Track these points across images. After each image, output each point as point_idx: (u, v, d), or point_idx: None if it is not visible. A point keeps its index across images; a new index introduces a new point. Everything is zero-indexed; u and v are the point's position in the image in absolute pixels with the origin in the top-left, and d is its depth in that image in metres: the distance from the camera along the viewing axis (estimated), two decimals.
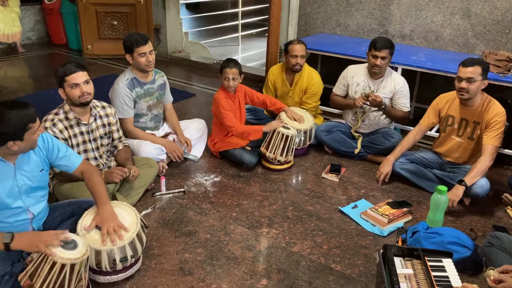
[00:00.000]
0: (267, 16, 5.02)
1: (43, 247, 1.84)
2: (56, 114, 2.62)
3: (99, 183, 2.27)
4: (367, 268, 2.41)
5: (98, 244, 2.09)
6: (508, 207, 3.00)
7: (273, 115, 3.84)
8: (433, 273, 1.88)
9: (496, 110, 2.92)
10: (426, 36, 4.49)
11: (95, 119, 2.76)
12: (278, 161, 3.38)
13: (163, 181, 3.06)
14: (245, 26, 9.33)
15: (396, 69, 3.81)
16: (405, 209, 2.87)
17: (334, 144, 3.66)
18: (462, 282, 1.85)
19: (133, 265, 2.27)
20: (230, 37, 9.05)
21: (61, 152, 2.24)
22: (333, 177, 3.35)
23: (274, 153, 3.34)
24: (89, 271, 2.12)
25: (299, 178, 3.40)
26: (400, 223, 2.80)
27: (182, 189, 3.11)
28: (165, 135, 3.45)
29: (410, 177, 3.21)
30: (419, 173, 3.19)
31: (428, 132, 3.53)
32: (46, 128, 2.54)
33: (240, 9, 8.74)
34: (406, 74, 3.81)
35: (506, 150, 3.56)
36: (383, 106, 3.44)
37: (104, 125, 2.82)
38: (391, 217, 2.76)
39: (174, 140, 3.42)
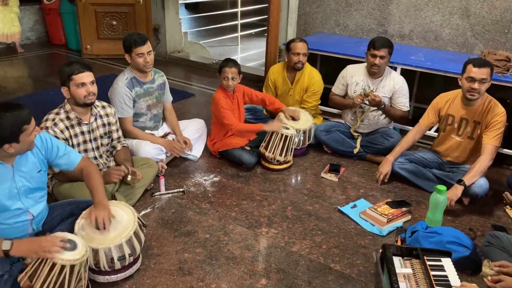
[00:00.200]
0: (266, 16, 5.02)
1: (42, 253, 1.84)
2: (57, 113, 2.62)
3: (97, 181, 2.27)
4: (366, 268, 2.41)
5: (95, 243, 2.09)
6: (507, 206, 3.00)
7: (273, 115, 3.84)
8: (432, 273, 1.88)
9: (497, 110, 2.93)
10: (425, 36, 4.49)
11: (96, 119, 2.76)
12: (278, 161, 3.38)
13: (162, 181, 3.06)
14: (244, 26, 9.34)
15: (395, 69, 3.81)
16: (404, 209, 2.87)
17: (333, 144, 3.66)
18: (461, 282, 1.86)
19: (132, 264, 2.26)
20: (229, 37, 9.05)
21: (60, 151, 2.23)
22: (332, 177, 3.35)
23: (273, 153, 3.34)
24: (88, 271, 2.12)
25: (298, 178, 3.40)
26: (399, 222, 2.80)
27: (181, 189, 3.11)
28: (165, 135, 3.45)
29: (409, 177, 3.22)
30: (418, 173, 3.19)
31: (427, 132, 3.54)
32: (47, 128, 2.54)
33: (239, 9, 8.74)
34: (405, 74, 3.81)
35: (505, 149, 3.56)
36: (382, 106, 3.44)
37: (104, 125, 2.82)
38: (390, 217, 2.76)
39: (173, 139, 3.42)
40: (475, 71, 2.82)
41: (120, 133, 2.97)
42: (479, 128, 2.99)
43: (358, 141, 3.63)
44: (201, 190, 3.14)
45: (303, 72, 3.84)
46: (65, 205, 2.37)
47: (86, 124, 2.70)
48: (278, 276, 2.34)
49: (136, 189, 2.89)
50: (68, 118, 2.63)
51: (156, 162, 3.12)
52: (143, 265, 2.36)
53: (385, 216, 2.75)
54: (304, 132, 3.56)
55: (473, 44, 4.27)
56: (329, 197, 3.11)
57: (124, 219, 2.24)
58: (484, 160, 2.87)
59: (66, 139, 2.60)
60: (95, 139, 2.77)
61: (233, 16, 9.50)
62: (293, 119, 3.58)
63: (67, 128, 2.62)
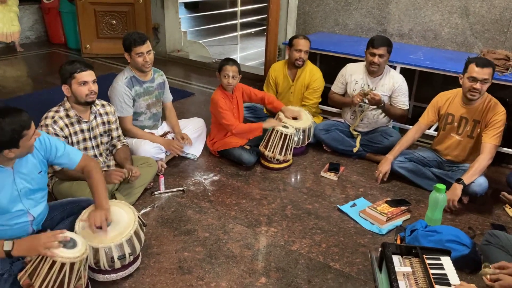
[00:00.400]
0: (266, 15, 5.03)
1: (43, 250, 1.84)
2: (57, 111, 2.62)
3: (98, 180, 2.27)
4: (366, 267, 2.42)
5: (96, 242, 2.09)
6: (507, 205, 3.01)
7: (273, 114, 3.84)
8: (431, 271, 1.89)
9: (497, 109, 2.93)
10: (425, 35, 4.50)
11: (95, 117, 2.76)
12: (277, 160, 3.38)
13: (162, 180, 3.06)
14: (244, 25, 9.33)
15: (394, 68, 3.81)
16: (403, 208, 2.87)
17: (333, 142, 3.66)
18: (460, 280, 1.86)
19: (132, 263, 2.27)
20: (229, 36, 9.05)
21: (59, 151, 2.22)
22: (331, 176, 3.35)
23: (273, 152, 3.34)
24: (88, 270, 2.13)
25: (298, 177, 3.40)
26: (398, 221, 2.80)
27: (181, 188, 3.11)
28: (164, 134, 3.45)
29: (408, 176, 3.22)
30: (418, 172, 3.20)
31: (427, 131, 3.54)
32: (47, 126, 2.54)
33: (238, 8, 8.74)
34: (404, 73, 3.81)
35: (504, 148, 3.56)
36: (382, 104, 3.44)
37: (103, 123, 2.82)
38: (390, 216, 2.76)
39: (173, 138, 3.42)
40: (477, 71, 2.81)
41: (119, 131, 2.97)
42: (479, 127, 3.00)
43: (358, 140, 3.64)
44: (200, 189, 3.14)
45: (304, 69, 3.86)
46: (65, 204, 2.37)
47: (86, 122, 2.70)
48: (278, 275, 2.34)
49: (136, 188, 2.89)
50: (67, 116, 2.63)
51: (156, 161, 3.12)
52: (142, 264, 2.36)
53: (385, 215, 2.75)
54: (304, 131, 3.57)
55: (472, 43, 4.28)
56: (329, 196, 3.11)
57: (124, 218, 2.24)
58: (484, 159, 2.87)
59: (65, 137, 2.60)
60: (95, 137, 2.77)
61: (233, 16, 9.50)
62: (293, 118, 3.58)
63: (66, 125, 2.62)
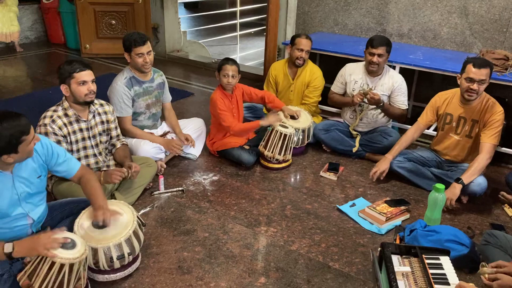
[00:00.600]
0: (265, 15, 5.03)
1: (43, 250, 1.83)
2: (55, 111, 2.61)
3: (96, 187, 2.26)
4: (365, 266, 2.42)
5: (94, 242, 2.09)
6: (506, 205, 3.01)
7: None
8: (430, 271, 1.89)
9: (495, 108, 2.93)
10: (424, 34, 4.50)
11: (94, 116, 2.76)
12: (277, 160, 3.38)
13: (161, 180, 3.07)
14: (244, 25, 9.34)
15: (394, 68, 3.82)
16: (403, 208, 2.88)
17: (332, 142, 3.67)
18: (459, 280, 1.86)
19: (131, 263, 2.27)
20: (228, 36, 9.06)
21: (60, 158, 2.22)
22: (331, 176, 3.36)
23: (272, 152, 3.34)
24: (87, 270, 2.13)
25: (297, 177, 3.40)
26: (398, 221, 2.80)
27: (180, 188, 3.11)
28: (164, 134, 3.45)
29: (408, 176, 3.22)
30: (417, 172, 3.20)
31: (427, 130, 3.55)
32: (45, 125, 2.54)
33: (238, 8, 8.74)
34: (404, 72, 3.81)
35: (503, 148, 3.57)
36: (381, 104, 3.44)
37: (102, 122, 2.82)
38: (389, 215, 2.76)
39: (172, 138, 3.42)
40: (474, 72, 2.81)
41: (118, 131, 2.97)
42: (477, 127, 3.00)
43: (357, 140, 3.64)
44: (200, 189, 3.15)
45: (304, 67, 3.88)
46: (64, 204, 2.37)
47: (85, 121, 2.70)
48: (277, 275, 2.34)
49: (135, 188, 2.89)
50: (66, 115, 2.63)
51: (155, 161, 3.12)
52: (142, 264, 2.37)
53: (384, 215, 2.75)
54: (303, 131, 3.57)
55: (471, 43, 4.28)
56: (328, 196, 3.12)
57: (123, 218, 2.24)
58: (482, 158, 2.88)
59: (64, 136, 2.60)
60: (94, 136, 2.77)
61: (232, 15, 9.50)
62: (293, 118, 3.58)
63: (65, 125, 2.61)
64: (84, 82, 2.55)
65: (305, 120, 3.63)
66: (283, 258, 2.47)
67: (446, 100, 3.13)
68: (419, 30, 4.51)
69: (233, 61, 3.38)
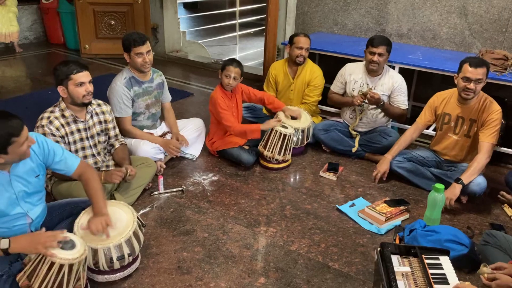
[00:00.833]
0: (265, 16, 5.03)
1: (42, 249, 1.83)
2: (52, 112, 2.61)
3: (96, 188, 2.24)
4: (365, 266, 2.42)
5: (94, 242, 2.09)
6: (505, 205, 3.01)
7: (272, 114, 3.84)
8: (430, 271, 1.89)
9: (492, 108, 2.94)
10: (423, 35, 4.50)
11: (92, 116, 2.76)
12: (276, 160, 3.38)
13: (161, 180, 3.06)
14: (243, 26, 9.34)
15: (393, 68, 3.82)
16: (402, 207, 2.88)
17: (332, 143, 3.67)
18: (459, 280, 1.86)
19: (131, 264, 2.27)
20: (228, 37, 9.06)
21: (57, 156, 2.20)
22: (330, 176, 3.36)
23: (272, 152, 3.34)
24: (87, 271, 2.13)
25: (297, 177, 3.40)
26: (397, 221, 2.80)
27: (180, 188, 3.11)
28: (163, 134, 3.45)
29: (407, 176, 3.22)
30: (417, 172, 3.20)
31: (426, 130, 3.55)
32: (42, 126, 2.53)
33: (237, 9, 8.74)
34: (403, 73, 3.81)
35: (503, 148, 3.57)
36: (382, 104, 3.45)
37: (100, 122, 2.82)
38: (389, 215, 2.76)
39: (171, 139, 3.42)
40: (471, 71, 2.82)
41: (117, 130, 2.96)
42: (476, 126, 3.00)
43: (357, 140, 3.64)
44: (199, 189, 3.15)
45: (304, 66, 3.88)
46: (64, 205, 2.36)
47: (82, 121, 2.69)
48: (277, 275, 2.34)
49: (135, 188, 2.89)
50: (63, 116, 2.62)
51: (155, 161, 3.12)
52: (142, 264, 2.36)
53: (384, 215, 2.75)
54: (303, 131, 3.57)
55: (471, 43, 4.28)
56: (328, 196, 3.12)
57: (123, 218, 2.24)
58: (481, 158, 2.88)
59: (62, 137, 2.60)
60: (92, 136, 2.76)
61: (232, 16, 9.50)
62: (292, 118, 3.58)
63: (62, 125, 2.61)
64: (81, 84, 2.54)
65: (305, 120, 3.64)
66: (282, 258, 2.47)
67: (444, 100, 3.14)
68: (418, 30, 4.51)
69: (238, 63, 3.37)
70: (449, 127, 3.12)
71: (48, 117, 2.58)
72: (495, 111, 2.92)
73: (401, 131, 3.67)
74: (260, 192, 3.12)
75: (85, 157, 2.74)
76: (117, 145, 2.92)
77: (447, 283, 1.85)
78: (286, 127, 3.38)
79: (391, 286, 1.82)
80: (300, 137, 3.57)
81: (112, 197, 2.77)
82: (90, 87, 2.59)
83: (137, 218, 2.28)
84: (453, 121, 3.08)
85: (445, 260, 1.98)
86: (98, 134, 2.81)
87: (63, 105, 2.62)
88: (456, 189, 2.82)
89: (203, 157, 3.60)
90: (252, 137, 3.43)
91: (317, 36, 4.85)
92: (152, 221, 2.76)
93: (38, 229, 2.19)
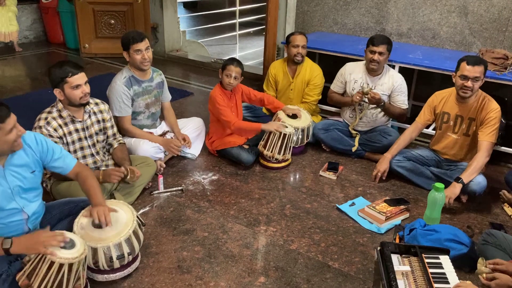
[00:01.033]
0: (265, 15, 5.02)
1: (42, 248, 1.83)
2: (49, 112, 2.59)
3: (94, 184, 2.25)
4: (365, 266, 2.42)
5: (94, 242, 2.09)
6: (505, 204, 3.01)
7: (272, 113, 3.84)
8: (430, 270, 1.89)
9: (491, 106, 2.94)
10: (423, 34, 4.50)
11: (90, 116, 2.75)
12: (276, 159, 3.38)
13: (161, 179, 3.06)
14: (243, 25, 9.34)
15: (393, 67, 3.82)
16: (402, 207, 2.88)
17: (332, 142, 3.67)
18: (459, 279, 1.86)
19: (131, 263, 2.27)
20: (227, 36, 9.06)
21: (56, 154, 2.20)
22: (330, 175, 3.35)
23: (272, 152, 3.34)
24: (87, 270, 2.12)
25: (297, 176, 3.40)
26: (397, 220, 2.80)
27: (180, 188, 3.11)
28: (163, 134, 3.45)
29: (407, 175, 3.22)
30: (416, 171, 3.20)
31: (425, 130, 3.55)
32: (40, 127, 2.52)
33: (237, 8, 8.74)
34: (403, 72, 3.81)
35: (503, 147, 3.57)
36: (382, 103, 3.45)
37: (98, 121, 2.81)
38: (389, 215, 2.76)
39: (171, 138, 3.41)
40: (468, 69, 2.83)
41: (115, 129, 2.96)
42: (474, 125, 3.00)
43: (357, 139, 3.64)
44: (199, 188, 3.14)
45: (304, 65, 3.88)
46: (63, 204, 2.36)
47: (80, 121, 2.68)
48: (277, 274, 2.34)
49: (135, 187, 2.88)
50: (60, 116, 2.60)
51: (155, 160, 3.12)
52: (141, 264, 2.36)
53: (384, 214, 2.75)
54: (303, 131, 3.57)
55: (471, 42, 4.28)
56: (328, 195, 3.12)
57: (123, 218, 2.24)
58: (481, 157, 2.88)
59: (60, 137, 2.59)
60: (91, 136, 2.76)
61: (232, 15, 9.50)
62: (293, 116, 3.58)
63: (60, 126, 2.60)
64: (78, 86, 2.51)
65: (305, 119, 3.63)
66: (282, 257, 2.47)
67: (443, 99, 3.14)
68: (418, 30, 4.51)
69: (239, 63, 3.37)
70: (448, 126, 3.12)
71: (46, 118, 2.57)
72: (494, 109, 2.92)
73: (401, 131, 3.66)
74: (260, 192, 3.12)
75: (84, 157, 2.73)
76: (115, 144, 2.92)
77: (447, 283, 1.85)
78: (286, 126, 3.37)
79: (391, 285, 1.82)
80: (300, 136, 3.57)
81: (111, 196, 2.76)
82: (87, 89, 2.56)
83: (137, 217, 2.28)
84: (452, 120, 3.09)
85: (445, 259, 1.98)
86: (97, 134, 2.80)
87: (60, 105, 2.60)
88: (456, 188, 2.82)
89: (203, 157, 3.60)
90: (251, 135, 3.43)
91: (317, 36, 4.85)
92: (152, 220, 2.76)
93: (36, 227, 2.19)
